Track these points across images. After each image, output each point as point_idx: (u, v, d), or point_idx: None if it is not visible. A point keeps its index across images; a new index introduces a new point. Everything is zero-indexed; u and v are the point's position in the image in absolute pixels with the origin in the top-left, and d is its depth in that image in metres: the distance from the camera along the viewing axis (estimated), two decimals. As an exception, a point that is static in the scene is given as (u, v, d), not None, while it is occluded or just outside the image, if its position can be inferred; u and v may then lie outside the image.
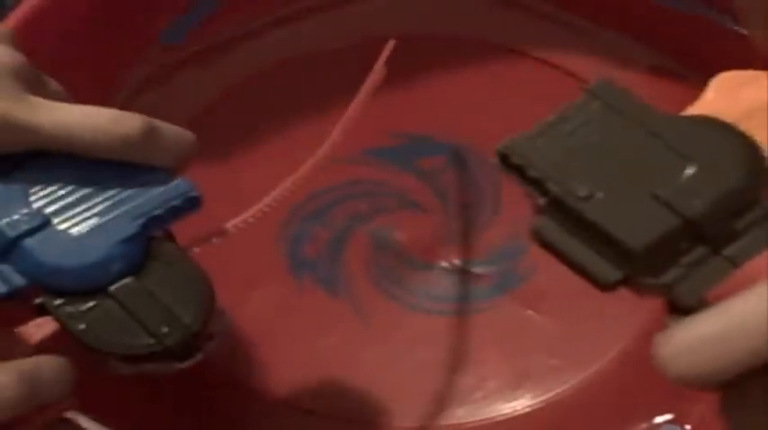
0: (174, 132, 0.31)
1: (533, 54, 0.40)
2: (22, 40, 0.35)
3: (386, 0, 0.40)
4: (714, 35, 0.38)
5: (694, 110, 0.29)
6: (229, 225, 0.33)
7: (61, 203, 0.30)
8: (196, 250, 0.33)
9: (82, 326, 0.29)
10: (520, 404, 0.38)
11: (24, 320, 0.37)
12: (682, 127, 0.27)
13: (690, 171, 0.26)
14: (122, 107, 0.39)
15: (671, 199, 0.25)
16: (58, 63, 0.37)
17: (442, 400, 0.38)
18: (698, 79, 0.39)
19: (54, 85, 0.31)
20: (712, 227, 0.26)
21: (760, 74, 0.30)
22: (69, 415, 0.35)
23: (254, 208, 0.33)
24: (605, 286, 0.27)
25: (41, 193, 0.30)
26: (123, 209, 0.30)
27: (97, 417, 0.35)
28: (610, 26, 0.40)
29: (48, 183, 0.30)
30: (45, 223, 0.29)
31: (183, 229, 0.33)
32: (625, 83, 0.39)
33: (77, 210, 0.30)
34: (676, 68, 0.40)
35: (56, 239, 0.29)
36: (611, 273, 0.26)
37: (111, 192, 0.30)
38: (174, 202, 0.30)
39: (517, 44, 0.40)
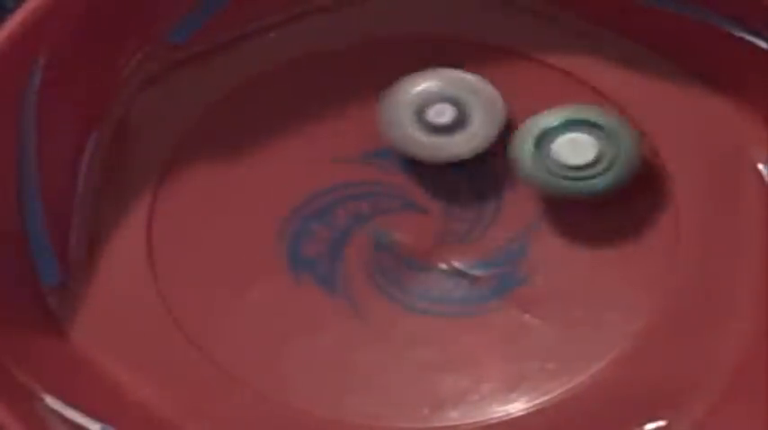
0: None
1: (534, 56, 0.40)
2: (25, 41, 0.36)
3: (387, 2, 0.40)
4: (717, 40, 0.38)
5: None
6: None
7: None
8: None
9: None
10: (515, 407, 0.38)
11: (25, 320, 0.37)
12: None
13: None
14: (125, 106, 0.40)
15: None
16: (60, 63, 0.37)
17: (436, 402, 0.38)
18: (700, 84, 0.40)
19: None
20: None
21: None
22: (52, 404, 0.36)
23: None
24: None
25: None
26: None
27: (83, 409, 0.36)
28: (611, 29, 0.40)
29: None
30: None
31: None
32: (625, 85, 0.40)
33: None
34: (678, 72, 0.40)
35: None
36: None
37: None
38: None
39: (518, 46, 0.40)
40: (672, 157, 0.39)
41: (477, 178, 0.40)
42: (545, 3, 0.40)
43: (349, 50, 0.40)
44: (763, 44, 0.37)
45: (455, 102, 0.38)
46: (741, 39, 0.38)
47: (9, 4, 0.40)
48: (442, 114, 0.38)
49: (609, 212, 0.39)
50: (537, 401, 0.38)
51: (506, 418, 0.38)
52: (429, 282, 0.39)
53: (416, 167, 0.40)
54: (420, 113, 0.38)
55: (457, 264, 0.39)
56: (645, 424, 0.38)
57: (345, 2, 0.40)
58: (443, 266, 0.39)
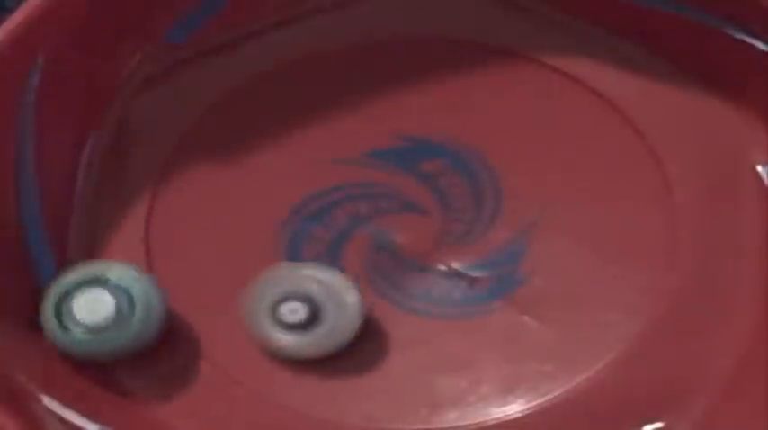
0: None
1: (534, 57, 0.40)
2: (24, 41, 0.36)
3: (387, 2, 0.40)
4: (717, 42, 0.38)
5: None
6: None
7: None
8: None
9: None
10: (512, 409, 0.38)
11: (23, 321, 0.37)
12: None
13: None
14: (124, 107, 0.39)
15: None
16: (59, 63, 0.37)
17: (434, 403, 0.38)
18: (700, 85, 0.40)
19: None
20: None
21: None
22: (49, 405, 0.36)
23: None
24: None
25: None
26: None
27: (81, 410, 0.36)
28: (611, 30, 0.40)
29: None
30: None
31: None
32: (624, 86, 0.40)
33: None
34: (678, 73, 0.40)
35: None
36: None
37: None
38: None
39: (518, 47, 0.40)
40: (671, 158, 0.39)
41: (477, 179, 0.40)
42: (545, 4, 0.40)
43: (349, 50, 0.40)
44: (761, 46, 0.37)
45: (309, 300, 0.37)
46: (740, 40, 0.38)
47: (9, 3, 0.40)
48: (295, 313, 0.37)
49: (609, 212, 0.39)
50: (535, 403, 0.38)
51: (505, 420, 0.38)
52: (428, 283, 0.39)
53: (415, 168, 0.40)
54: (274, 311, 0.38)
55: (456, 265, 0.39)
56: (643, 425, 0.37)
57: (345, 2, 0.40)
58: (442, 267, 0.39)
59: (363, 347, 0.39)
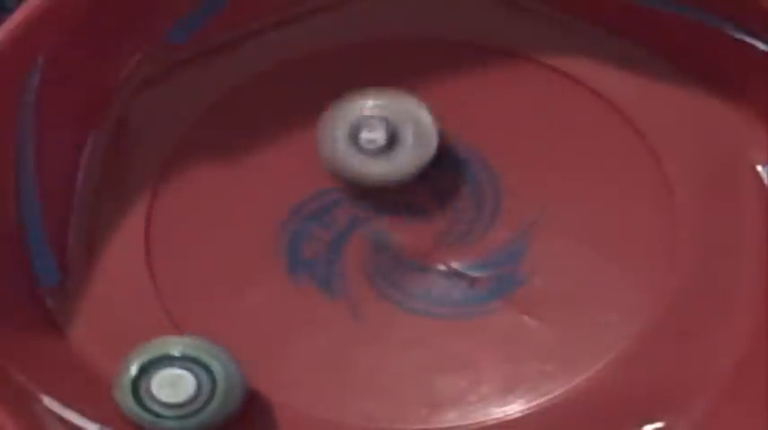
0: None
1: (534, 57, 0.40)
2: (24, 41, 0.36)
3: (387, 2, 0.40)
4: (717, 42, 0.38)
5: None
6: None
7: None
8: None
9: None
10: (512, 409, 0.38)
11: (23, 321, 0.37)
12: None
13: None
14: (124, 107, 0.39)
15: None
16: (59, 63, 0.37)
17: (435, 403, 0.38)
18: (700, 85, 0.40)
19: None
20: None
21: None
22: (49, 405, 0.36)
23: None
24: None
25: None
26: None
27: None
28: (611, 30, 0.40)
29: None
30: None
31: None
32: (624, 86, 0.40)
33: None
34: (678, 73, 0.40)
35: None
36: None
37: None
38: None
39: (518, 47, 0.40)
40: (671, 158, 0.39)
41: (477, 179, 0.40)
42: (545, 4, 0.40)
43: (349, 50, 0.40)
44: (761, 46, 0.37)
45: (386, 122, 0.38)
46: (740, 40, 0.38)
47: (9, 3, 0.40)
48: (374, 138, 0.38)
49: (609, 212, 0.39)
50: (535, 402, 0.38)
51: (505, 419, 0.38)
52: (428, 283, 0.39)
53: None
54: (354, 134, 0.38)
55: (456, 265, 0.39)
56: (643, 425, 0.38)
57: (345, 2, 0.40)
58: (442, 267, 0.39)
59: (363, 347, 0.39)
